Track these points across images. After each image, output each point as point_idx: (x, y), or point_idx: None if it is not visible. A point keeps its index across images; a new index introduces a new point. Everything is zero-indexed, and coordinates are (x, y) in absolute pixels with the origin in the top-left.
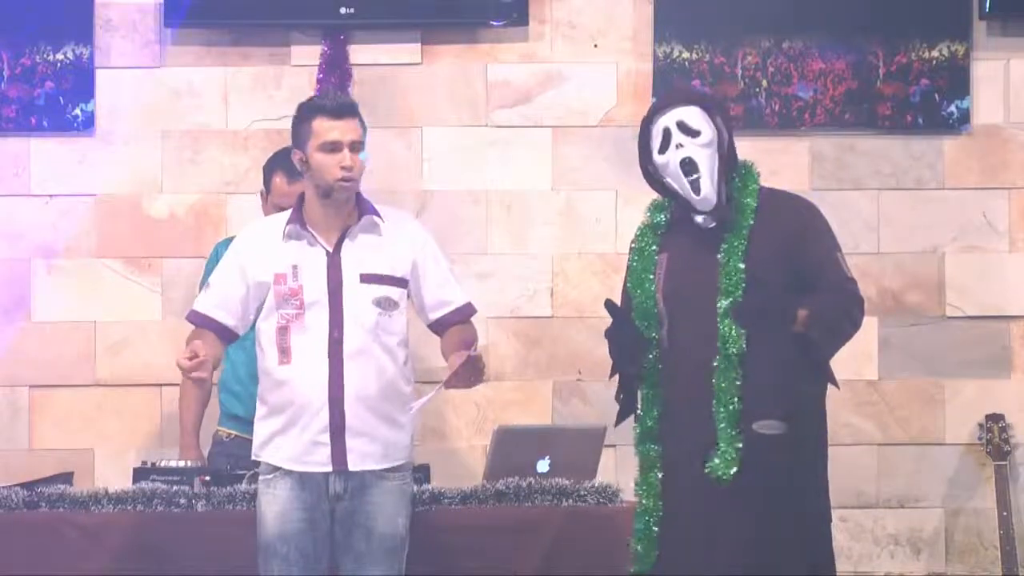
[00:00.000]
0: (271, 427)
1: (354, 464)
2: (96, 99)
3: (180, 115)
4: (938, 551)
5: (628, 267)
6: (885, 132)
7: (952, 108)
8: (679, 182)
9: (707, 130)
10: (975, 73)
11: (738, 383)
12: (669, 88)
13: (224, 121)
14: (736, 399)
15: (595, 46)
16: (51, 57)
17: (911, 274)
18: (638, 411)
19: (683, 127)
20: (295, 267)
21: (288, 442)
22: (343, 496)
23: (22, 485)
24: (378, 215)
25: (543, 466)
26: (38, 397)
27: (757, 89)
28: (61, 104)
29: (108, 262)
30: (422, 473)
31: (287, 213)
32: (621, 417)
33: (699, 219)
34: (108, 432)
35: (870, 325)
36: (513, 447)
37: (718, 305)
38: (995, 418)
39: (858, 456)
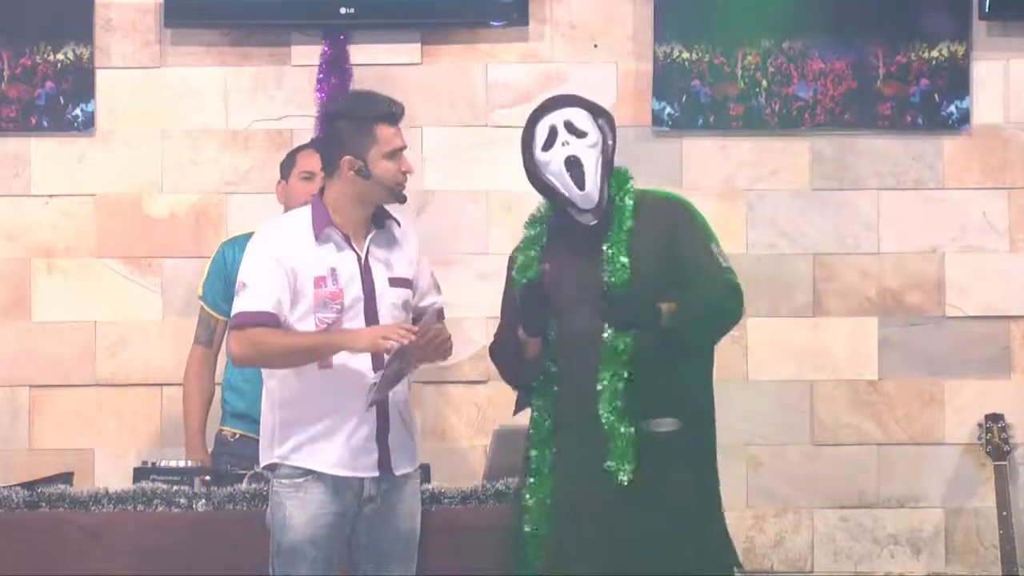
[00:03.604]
0: (307, 432)
1: (397, 468)
2: (96, 99)
3: (180, 115)
4: (938, 551)
5: (511, 279)
6: (885, 132)
7: (952, 108)
8: (561, 179)
9: (593, 132)
10: (975, 73)
11: (622, 383)
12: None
13: (224, 121)
14: (619, 398)
15: (595, 46)
16: (51, 57)
17: (911, 274)
18: (533, 413)
19: (570, 127)
20: (333, 270)
21: (332, 447)
22: (375, 498)
23: (22, 485)
24: (392, 218)
25: None
26: (38, 397)
27: (757, 89)
28: (61, 104)
29: (108, 262)
30: (422, 473)
31: (303, 213)
32: (519, 407)
33: (581, 218)
34: (108, 432)
35: (870, 325)
36: (513, 447)
37: (604, 302)
38: (995, 418)
39: (858, 456)
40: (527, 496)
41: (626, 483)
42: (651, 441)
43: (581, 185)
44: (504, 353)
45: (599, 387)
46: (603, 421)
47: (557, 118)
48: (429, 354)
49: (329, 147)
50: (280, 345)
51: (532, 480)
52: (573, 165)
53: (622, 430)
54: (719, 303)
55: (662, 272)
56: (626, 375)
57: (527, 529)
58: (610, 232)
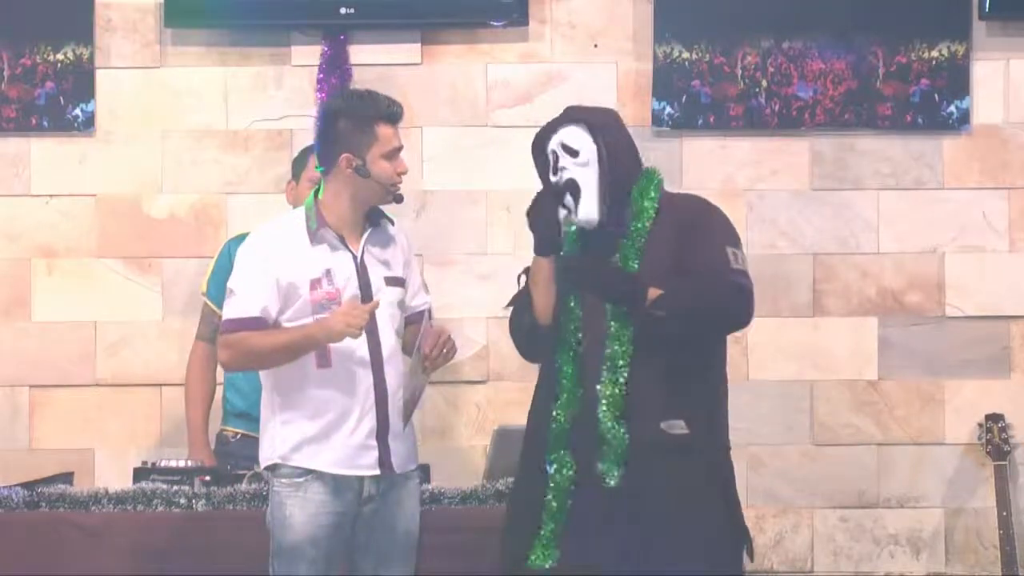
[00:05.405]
0: (306, 431)
1: (397, 467)
2: (96, 99)
3: (180, 115)
4: (938, 551)
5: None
6: (885, 132)
7: (952, 108)
8: (568, 203)
9: (586, 148)
10: (975, 73)
11: (623, 387)
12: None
13: (224, 121)
14: (620, 402)
15: (595, 46)
16: (51, 57)
17: (911, 274)
18: (555, 413)
19: (566, 148)
20: (329, 271)
21: (332, 446)
22: (374, 498)
23: (22, 485)
24: (386, 217)
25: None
26: (38, 397)
27: (757, 89)
28: (61, 104)
29: (108, 262)
30: (422, 473)
31: (296, 216)
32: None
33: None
34: (108, 432)
35: (870, 325)
36: (513, 447)
37: (606, 306)
38: (995, 418)
39: (858, 456)
40: (550, 496)
41: (613, 486)
42: (663, 443)
43: (576, 211)
44: (519, 317)
45: (600, 390)
46: (600, 424)
47: (556, 142)
48: (439, 361)
49: (327, 145)
50: (261, 346)
51: (555, 479)
52: (572, 188)
53: (618, 434)
54: (714, 297)
55: (672, 275)
56: (624, 381)
57: (549, 526)
58: (626, 240)
